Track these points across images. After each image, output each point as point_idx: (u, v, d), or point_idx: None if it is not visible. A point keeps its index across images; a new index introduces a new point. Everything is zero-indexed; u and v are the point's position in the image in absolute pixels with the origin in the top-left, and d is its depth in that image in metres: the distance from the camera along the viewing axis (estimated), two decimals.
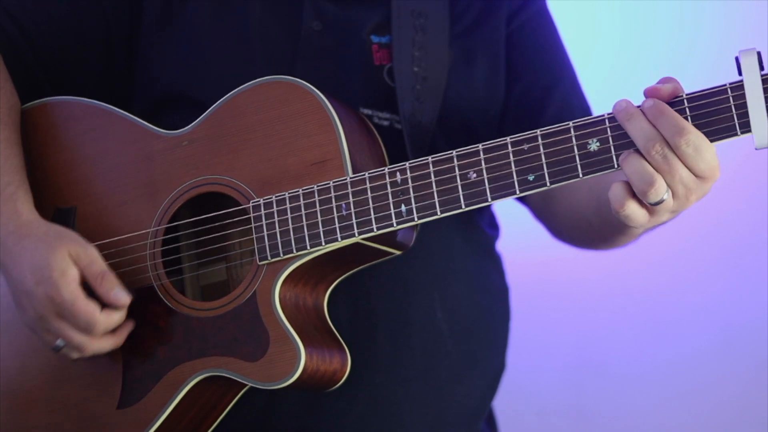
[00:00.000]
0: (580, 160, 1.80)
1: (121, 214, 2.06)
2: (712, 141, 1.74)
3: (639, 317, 3.38)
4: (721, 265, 3.32)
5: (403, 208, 1.90)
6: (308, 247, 1.93)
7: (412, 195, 1.89)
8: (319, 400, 2.09)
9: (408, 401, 2.13)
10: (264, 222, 1.96)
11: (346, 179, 1.92)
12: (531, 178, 1.83)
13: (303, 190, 1.94)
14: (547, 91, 2.28)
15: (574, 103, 2.29)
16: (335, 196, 1.92)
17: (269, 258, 1.95)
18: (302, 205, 1.94)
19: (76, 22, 2.19)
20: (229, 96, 2.02)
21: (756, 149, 1.73)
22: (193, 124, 2.04)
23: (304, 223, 1.93)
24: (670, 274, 3.35)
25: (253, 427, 2.10)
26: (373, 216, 1.91)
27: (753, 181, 3.20)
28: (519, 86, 2.28)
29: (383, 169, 1.91)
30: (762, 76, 1.71)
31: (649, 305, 3.38)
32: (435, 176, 1.88)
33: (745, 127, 1.72)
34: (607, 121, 1.79)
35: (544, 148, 1.82)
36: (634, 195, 1.77)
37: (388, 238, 1.98)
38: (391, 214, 1.90)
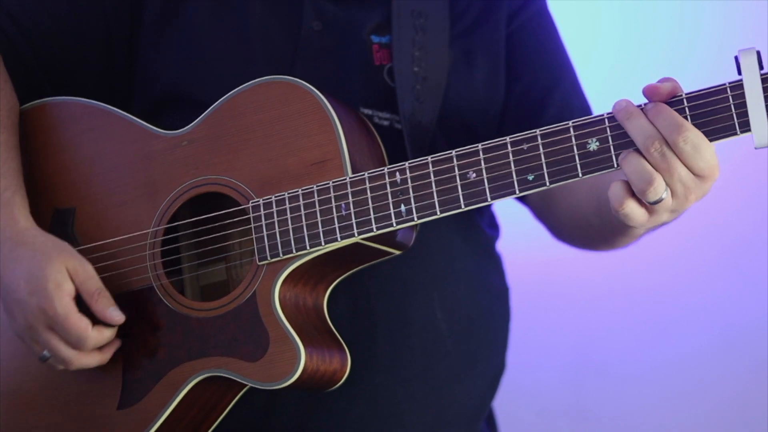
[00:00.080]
0: (579, 160, 1.80)
1: (120, 215, 2.06)
2: (711, 140, 1.74)
3: (639, 317, 3.38)
4: (721, 265, 3.32)
5: (402, 208, 1.89)
6: (308, 247, 1.93)
7: (411, 195, 1.89)
8: (319, 400, 2.09)
9: (408, 401, 2.13)
10: (264, 222, 1.95)
11: (345, 179, 1.92)
12: (530, 177, 1.82)
13: (302, 190, 1.94)
14: (547, 91, 2.27)
15: (575, 103, 2.29)
16: (335, 196, 1.92)
17: (269, 258, 1.95)
18: (302, 205, 1.94)
19: (76, 22, 2.18)
20: (229, 96, 2.02)
21: (755, 149, 1.73)
22: (192, 124, 2.04)
23: (304, 223, 1.93)
24: (670, 274, 3.35)
25: (253, 427, 2.10)
26: (372, 216, 1.90)
27: (753, 181, 3.20)
28: (519, 86, 2.27)
29: (383, 169, 1.91)
30: (761, 75, 1.71)
31: (649, 305, 3.38)
32: (434, 176, 1.88)
33: (745, 127, 1.72)
34: (606, 120, 1.79)
35: (543, 148, 1.82)
36: (633, 194, 1.77)
37: (388, 238, 1.98)
38: (390, 214, 1.90)
